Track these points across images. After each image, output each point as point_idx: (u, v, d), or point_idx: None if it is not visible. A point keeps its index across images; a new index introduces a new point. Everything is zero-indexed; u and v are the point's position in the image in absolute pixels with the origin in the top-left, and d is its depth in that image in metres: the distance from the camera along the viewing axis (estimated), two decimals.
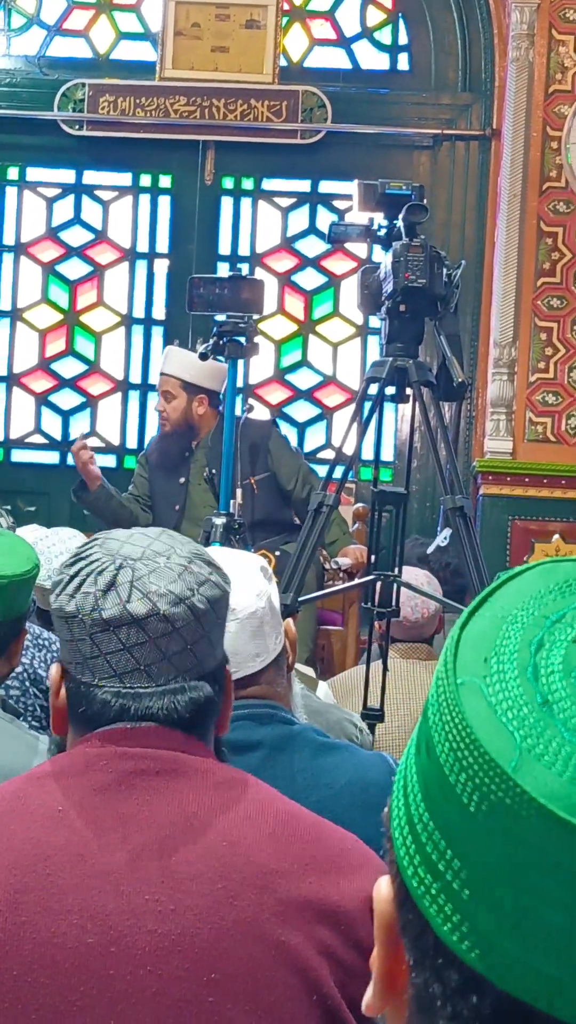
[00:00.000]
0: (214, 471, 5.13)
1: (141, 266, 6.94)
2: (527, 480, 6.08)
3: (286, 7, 6.76)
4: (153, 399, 6.84)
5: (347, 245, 6.27)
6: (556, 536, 5.42)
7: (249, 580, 2.09)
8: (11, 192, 6.95)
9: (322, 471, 4.90)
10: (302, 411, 6.83)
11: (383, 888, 0.71)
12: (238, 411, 4.72)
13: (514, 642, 0.66)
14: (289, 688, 2.19)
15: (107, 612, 1.49)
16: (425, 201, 4.42)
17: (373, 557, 3.93)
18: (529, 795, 0.61)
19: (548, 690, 0.63)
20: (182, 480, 5.40)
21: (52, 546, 3.56)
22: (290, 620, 2.23)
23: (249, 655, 2.07)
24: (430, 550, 4.57)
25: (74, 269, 6.96)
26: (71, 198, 6.95)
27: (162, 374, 5.51)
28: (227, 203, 6.90)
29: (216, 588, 1.54)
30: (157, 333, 6.90)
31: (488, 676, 0.65)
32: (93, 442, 6.85)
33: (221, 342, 4.46)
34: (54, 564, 3.48)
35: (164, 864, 1.40)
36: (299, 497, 5.26)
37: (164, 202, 6.93)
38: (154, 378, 6.83)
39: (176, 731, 1.50)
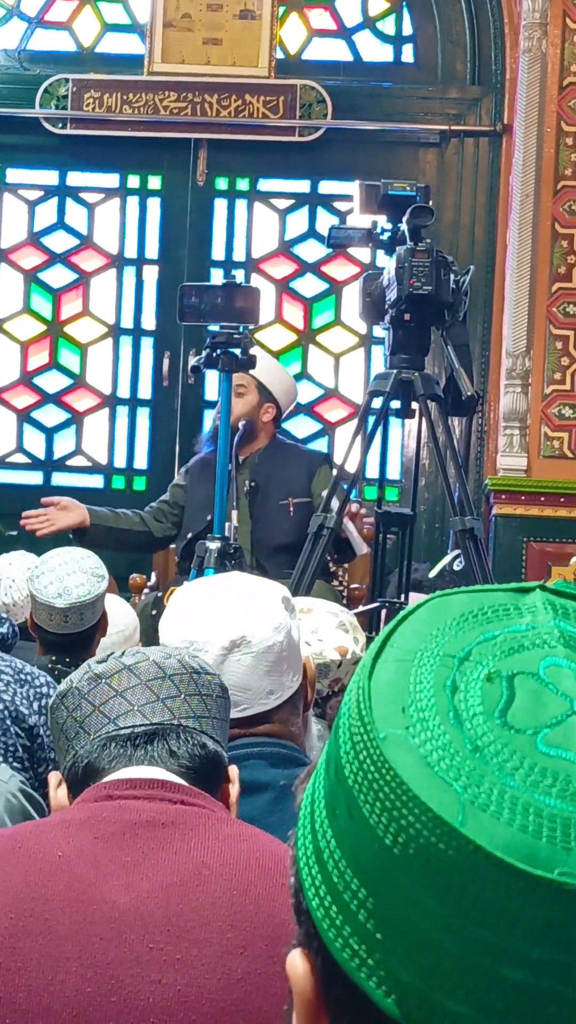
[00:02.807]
0: (255, 482, 5.13)
1: (129, 273, 6.94)
2: (543, 499, 6.07)
3: None
4: (143, 415, 6.84)
5: (349, 249, 6.29)
6: (574, 559, 5.40)
7: (268, 611, 2.07)
8: None
9: None
10: (302, 426, 6.82)
11: (298, 964, 0.69)
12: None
13: (427, 686, 0.65)
14: (305, 729, 2.17)
15: (98, 668, 1.62)
16: (431, 202, 4.44)
17: (378, 583, 3.92)
18: (484, 850, 0.60)
19: (475, 735, 0.63)
20: None
21: (56, 566, 3.58)
22: (310, 657, 2.21)
23: (262, 691, 2.04)
24: (432, 574, 4.56)
25: (58, 277, 6.96)
26: (54, 201, 6.96)
27: None
28: (221, 205, 6.90)
29: (211, 672, 1.65)
30: (146, 344, 6.89)
31: (411, 727, 0.64)
32: (79, 461, 6.85)
33: (215, 354, 4.45)
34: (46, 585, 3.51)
35: (171, 912, 1.40)
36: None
37: (153, 204, 6.93)
38: (143, 393, 6.84)
39: (181, 783, 1.53)
